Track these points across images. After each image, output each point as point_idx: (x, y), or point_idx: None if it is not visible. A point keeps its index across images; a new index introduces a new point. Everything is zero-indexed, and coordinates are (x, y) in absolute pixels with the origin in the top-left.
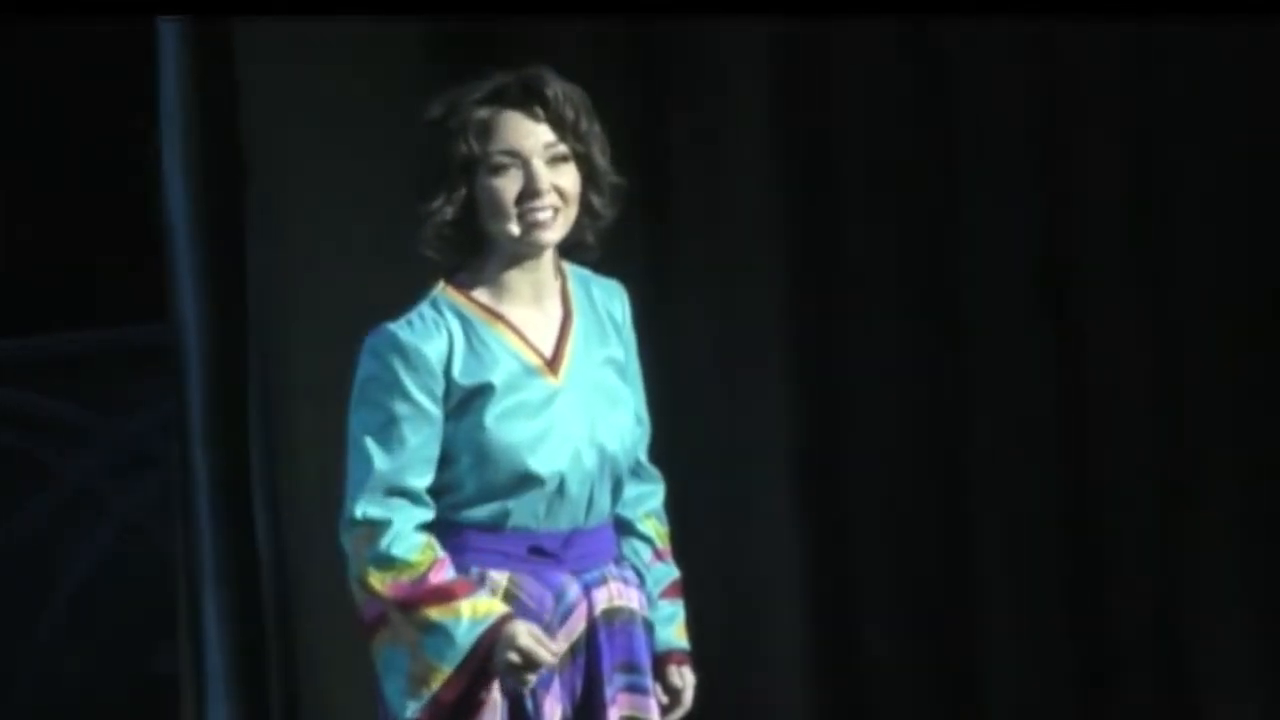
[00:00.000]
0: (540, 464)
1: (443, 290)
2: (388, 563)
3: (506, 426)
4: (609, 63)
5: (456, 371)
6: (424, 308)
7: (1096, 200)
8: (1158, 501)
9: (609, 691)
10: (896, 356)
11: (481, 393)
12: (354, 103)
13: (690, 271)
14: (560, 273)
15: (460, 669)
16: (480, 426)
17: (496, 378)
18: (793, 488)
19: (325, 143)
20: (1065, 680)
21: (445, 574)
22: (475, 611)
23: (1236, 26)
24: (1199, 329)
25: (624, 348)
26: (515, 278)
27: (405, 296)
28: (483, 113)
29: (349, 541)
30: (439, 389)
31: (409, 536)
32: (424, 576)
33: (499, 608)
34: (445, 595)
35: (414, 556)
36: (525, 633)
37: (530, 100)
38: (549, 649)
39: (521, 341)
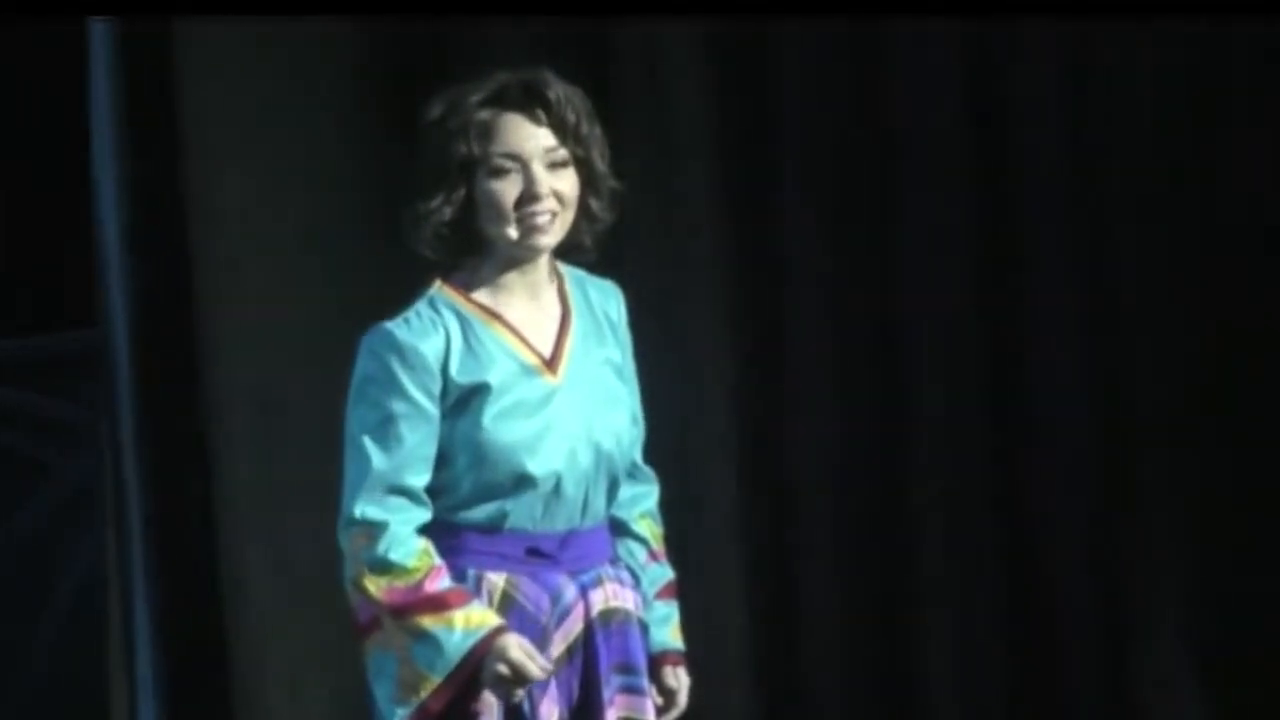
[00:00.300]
0: (537, 464)
1: (439, 289)
2: (384, 567)
3: (503, 426)
4: (552, 62)
5: (454, 370)
6: (421, 306)
7: (1035, 198)
8: (1097, 498)
9: (606, 693)
10: (839, 355)
11: (478, 392)
12: (291, 102)
13: (637, 266)
14: (556, 273)
15: (449, 679)
16: (477, 426)
17: (494, 377)
18: (740, 484)
19: (261, 145)
20: (1006, 678)
21: (441, 582)
22: (468, 622)
23: (1174, 24)
24: (1139, 326)
25: (621, 348)
26: (512, 278)
27: (343, 297)
28: (484, 114)
29: (346, 541)
30: (436, 387)
31: (407, 541)
32: (419, 584)
33: (492, 620)
34: (439, 604)
35: (411, 562)
36: (516, 646)
37: (532, 103)
38: (539, 663)
39: (519, 341)
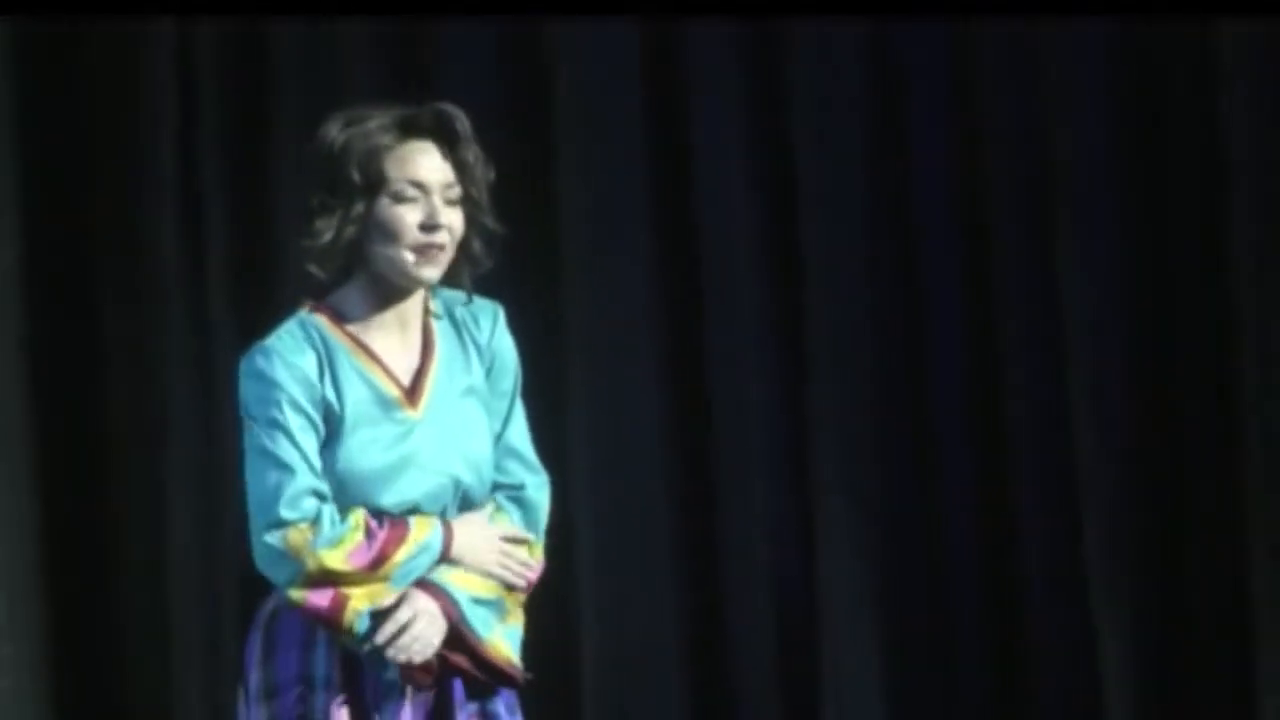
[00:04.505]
0: (391, 496)
1: (308, 312)
2: (341, 540)
3: (360, 457)
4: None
5: (325, 389)
6: (291, 326)
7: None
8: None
9: (460, 717)
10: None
11: (338, 418)
12: None
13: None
14: (426, 306)
15: None
16: (334, 455)
17: (353, 405)
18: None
19: None
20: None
21: (376, 524)
22: (420, 535)
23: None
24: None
25: (485, 369)
26: (382, 307)
27: None
28: (389, 139)
29: (283, 542)
30: (318, 396)
31: (335, 514)
32: (371, 534)
33: (434, 520)
34: (398, 538)
35: (352, 523)
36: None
37: (440, 135)
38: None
39: (382, 371)
